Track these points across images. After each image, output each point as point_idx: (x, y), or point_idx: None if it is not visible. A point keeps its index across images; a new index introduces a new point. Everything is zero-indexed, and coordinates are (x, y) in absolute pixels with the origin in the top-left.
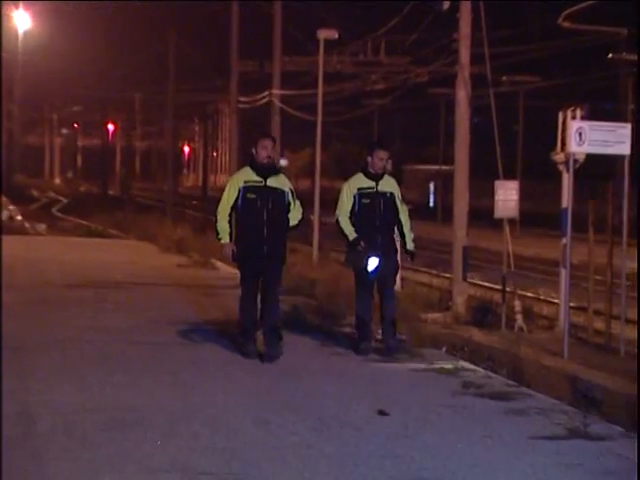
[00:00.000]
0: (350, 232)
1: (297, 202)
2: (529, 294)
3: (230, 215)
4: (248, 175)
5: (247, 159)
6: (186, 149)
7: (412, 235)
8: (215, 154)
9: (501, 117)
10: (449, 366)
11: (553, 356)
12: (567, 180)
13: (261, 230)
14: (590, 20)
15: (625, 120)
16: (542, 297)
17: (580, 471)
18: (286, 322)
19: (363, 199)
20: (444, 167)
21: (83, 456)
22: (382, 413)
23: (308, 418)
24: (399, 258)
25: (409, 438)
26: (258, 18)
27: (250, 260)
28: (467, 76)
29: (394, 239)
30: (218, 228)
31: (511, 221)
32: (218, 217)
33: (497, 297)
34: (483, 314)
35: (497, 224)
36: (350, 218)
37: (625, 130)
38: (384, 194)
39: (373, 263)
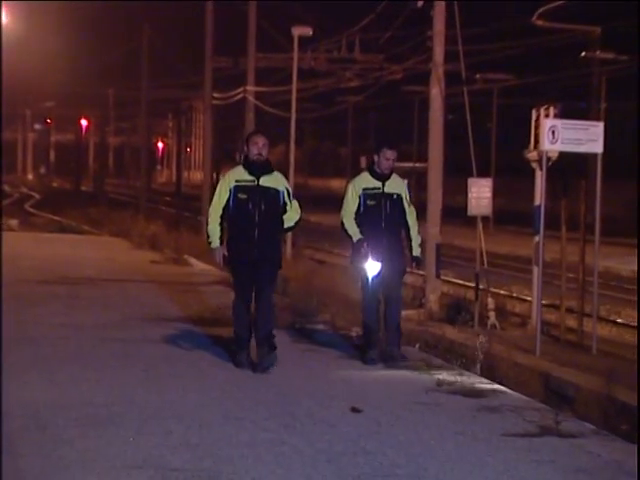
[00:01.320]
0: (354, 233)
1: (294, 202)
2: (502, 292)
3: (222, 217)
4: (240, 174)
5: (225, 154)
6: (160, 145)
7: (420, 239)
8: (189, 150)
9: (475, 115)
10: (422, 363)
11: (525, 353)
12: (540, 178)
13: (252, 232)
14: (564, 19)
15: (598, 118)
16: (515, 295)
17: (552, 468)
18: None
19: (368, 200)
20: (418, 164)
21: (55, 453)
22: (355, 410)
23: (281, 415)
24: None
25: (382, 435)
26: (232, 14)
27: (241, 265)
28: (441, 74)
29: (401, 242)
30: (208, 231)
31: (484, 218)
32: (209, 219)
33: (470, 294)
34: (456, 311)
35: (470, 221)
36: (355, 219)
37: (597, 128)
38: (391, 195)
39: (374, 268)
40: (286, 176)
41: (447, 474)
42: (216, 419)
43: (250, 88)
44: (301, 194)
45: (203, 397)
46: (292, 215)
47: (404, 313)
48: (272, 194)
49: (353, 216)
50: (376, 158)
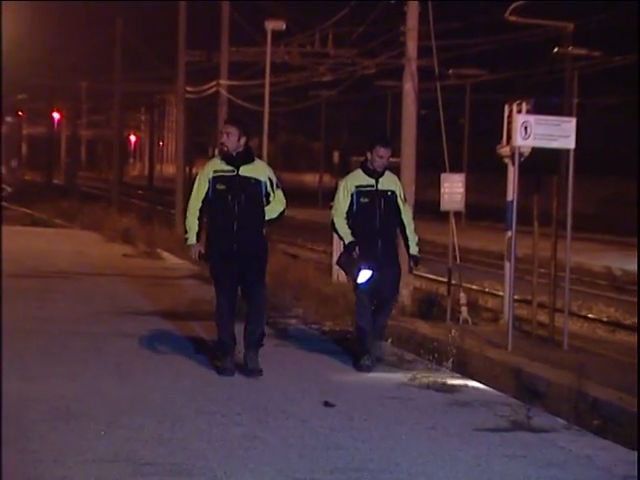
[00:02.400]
0: (346, 234)
1: (278, 192)
2: (474, 287)
3: (201, 211)
4: (218, 164)
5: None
6: (132, 138)
7: (416, 238)
8: (161, 144)
9: (448, 110)
10: (394, 358)
11: (497, 348)
12: (512, 173)
13: (231, 225)
14: (536, 14)
15: (570, 114)
16: (487, 290)
17: (523, 462)
18: None
19: (362, 198)
20: (391, 159)
21: (27, 446)
22: (327, 404)
23: (253, 409)
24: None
25: (354, 429)
26: (206, 8)
27: (222, 261)
28: (414, 69)
29: (395, 244)
30: (186, 226)
31: (457, 214)
32: (187, 214)
33: (442, 289)
34: (428, 306)
35: (443, 217)
36: (347, 219)
37: (570, 124)
38: (385, 193)
39: (364, 276)
40: None
41: (419, 468)
42: (188, 414)
43: (223, 82)
44: None
45: (175, 392)
46: (276, 206)
47: None
48: (252, 184)
49: (344, 216)
50: (369, 155)
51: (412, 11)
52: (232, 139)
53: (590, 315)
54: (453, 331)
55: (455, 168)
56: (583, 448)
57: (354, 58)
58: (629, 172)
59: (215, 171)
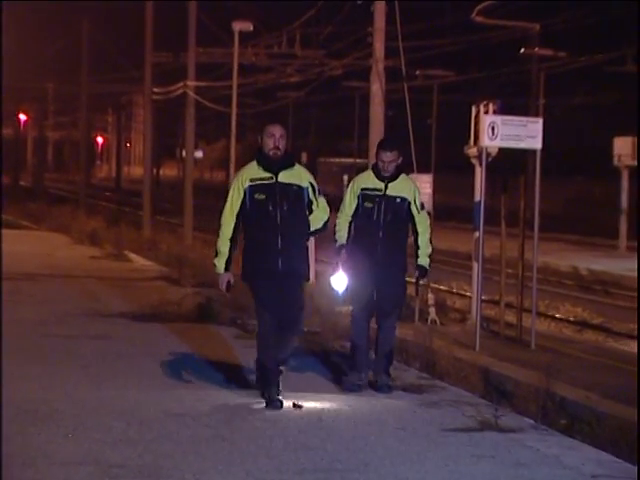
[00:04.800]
0: (340, 237)
1: (321, 199)
2: (442, 287)
3: (235, 230)
4: (254, 171)
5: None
6: (99, 140)
7: (429, 249)
8: (129, 145)
9: (415, 111)
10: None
11: (465, 349)
12: (480, 174)
13: (275, 239)
14: (503, 15)
15: (537, 115)
16: (455, 290)
17: (491, 462)
18: (201, 314)
19: (366, 202)
20: (359, 160)
21: None
22: (296, 406)
23: (222, 410)
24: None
25: (323, 430)
26: (173, 9)
27: (262, 280)
28: (381, 69)
29: (402, 255)
30: (217, 248)
31: None
32: (220, 232)
33: (410, 290)
34: None
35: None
36: (351, 223)
37: (536, 125)
38: (393, 199)
39: (337, 282)
40: (227, 171)
41: (387, 469)
42: (157, 415)
43: (190, 83)
44: None
45: (143, 393)
46: (320, 215)
47: (344, 309)
48: (295, 191)
49: (349, 219)
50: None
51: (379, 12)
52: (283, 142)
53: (557, 315)
54: (421, 331)
55: (423, 168)
56: (551, 448)
57: (321, 59)
58: (595, 172)
59: (252, 179)
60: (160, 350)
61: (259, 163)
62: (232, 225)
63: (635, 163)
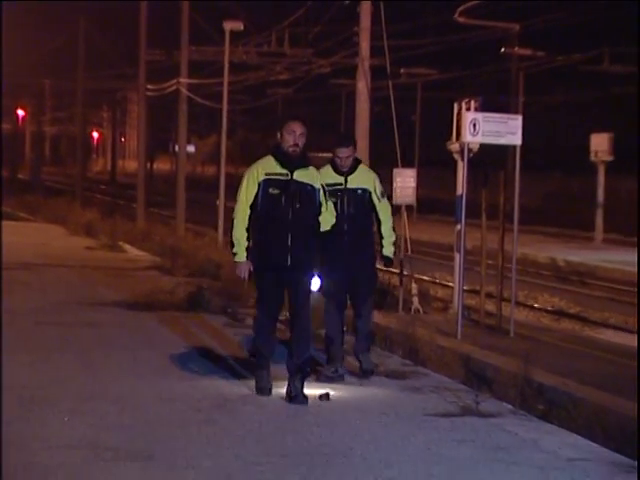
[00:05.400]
0: None
1: (330, 203)
2: (425, 277)
3: (249, 218)
4: (271, 166)
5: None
6: (95, 135)
7: (393, 237)
8: (123, 140)
9: (399, 108)
10: (347, 346)
11: (447, 337)
12: (462, 169)
13: (285, 235)
14: (484, 16)
15: (516, 112)
16: (437, 280)
17: (472, 446)
18: (193, 303)
19: (330, 198)
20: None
21: None
22: (322, 397)
23: (213, 396)
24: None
25: (310, 415)
26: (166, 8)
27: (270, 272)
28: (367, 68)
29: (370, 244)
30: (234, 238)
31: (408, 207)
32: (235, 221)
33: (395, 280)
34: (381, 296)
35: (395, 210)
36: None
37: (516, 121)
38: (354, 191)
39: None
40: (217, 165)
41: (371, 452)
42: (149, 400)
43: (183, 80)
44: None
45: (137, 379)
46: (328, 217)
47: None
48: (309, 191)
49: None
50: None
51: (365, 12)
52: (303, 139)
53: (536, 304)
54: (405, 320)
55: (407, 163)
56: (529, 432)
57: (309, 57)
58: (573, 168)
59: (267, 173)
60: (153, 338)
61: (276, 158)
62: (247, 215)
63: (611, 158)
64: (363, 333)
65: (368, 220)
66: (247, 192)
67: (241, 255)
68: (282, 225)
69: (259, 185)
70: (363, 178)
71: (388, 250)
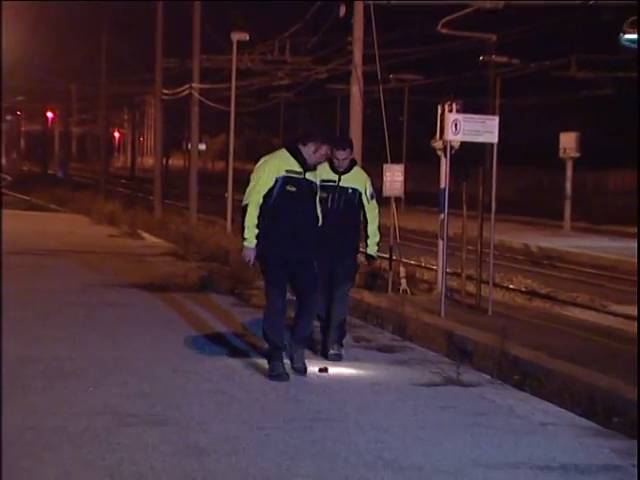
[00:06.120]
0: None
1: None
2: (412, 262)
3: (260, 207)
4: (291, 164)
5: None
6: (116, 134)
7: (377, 238)
8: (142, 139)
9: (389, 109)
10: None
11: (432, 315)
12: (444, 164)
13: (293, 230)
14: (464, 27)
15: (493, 113)
16: (423, 264)
17: (454, 412)
18: (204, 285)
19: (321, 192)
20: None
21: (25, 401)
22: (322, 370)
23: (222, 368)
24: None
25: (308, 385)
26: (180, 21)
27: (277, 264)
28: (360, 74)
29: (356, 240)
30: (245, 223)
31: (397, 199)
32: (248, 208)
33: (385, 264)
34: (373, 279)
35: (385, 202)
36: None
37: (493, 122)
38: (345, 190)
39: None
40: (226, 161)
41: (364, 418)
42: (166, 372)
43: (195, 85)
44: (240, 177)
45: (154, 353)
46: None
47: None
48: (315, 190)
49: None
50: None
51: (358, 24)
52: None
53: (511, 286)
54: (394, 300)
55: (395, 159)
56: (505, 400)
57: (308, 64)
58: (544, 163)
59: (287, 170)
60: (168, 316)
61: (295, 158)
62: (259, 202)
63: (578, 155)
64: (336, 321)
65: (356, 218)
66: (261, 183)
67: (251, 240)
68: (295, 219)
69: (277, 180)
70: (356, 179)
71: (372, 249)
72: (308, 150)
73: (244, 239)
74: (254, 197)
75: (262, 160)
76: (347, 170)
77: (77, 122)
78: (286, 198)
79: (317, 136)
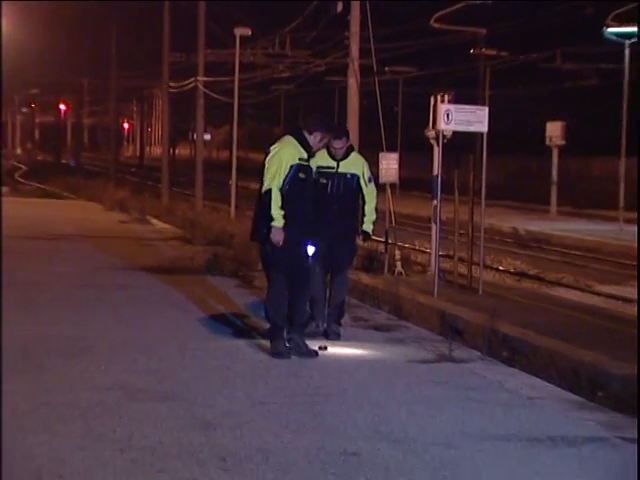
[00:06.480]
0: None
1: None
2: (407, 245)
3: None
4: (301, 153)
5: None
6: (126, 125)
7: (374, 217)
8: (150, 130)
9: (384, 100)
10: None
11: (426, 295)
12: (437, 152)
13: (303, 214)
14: (456, 22)
15: (483, 103)
16: (417, 247)
17: (446, 387)
18: (209, 267)
19: (321, 178)
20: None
21: (40, 377)
22: (322, 348)
23: (227, 346)
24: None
25: (310, 362)
26: (185, 17)
27: (289, 244)
28: (356, 67)
29: (353, 221)
30: (272, 206)
31: (392, 185)
32: (272, 192)
33: (381, 247)
34: (370, 261)
35: (381, 188)
36: None
37: (483, 112)
38: (344, 175)
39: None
40: (230, 151)
41: (361, 393)
42: (173, 350)
43: (200, 78)
44: (243, 165)
45: (162, 332)
46: None
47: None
48: (314, 177)
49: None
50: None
51: (354, 19)
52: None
53: (500, 267)
54: (389, 281)
55: (391, 148)
56: (495, 375)
57: (308, 58)
58: (531, 151)
59: (300, 158)
60: (175, 297)
61: (303, 147)
62: (280, 185)
63: (563, 143)
64: (335, 302)
65: (355, 201)
66: (284, 170)
67: (279, 220)
68: (306, 206)
69: (291, 167)
70: (354, 164)
71: (367, 226)
72: (314, 139)
73: (272, 220)
74: (276, 181)
75: (276, 147)
76: (345, 157)
77: (88, 114)
78: (296, 185)
79: (323, 125)
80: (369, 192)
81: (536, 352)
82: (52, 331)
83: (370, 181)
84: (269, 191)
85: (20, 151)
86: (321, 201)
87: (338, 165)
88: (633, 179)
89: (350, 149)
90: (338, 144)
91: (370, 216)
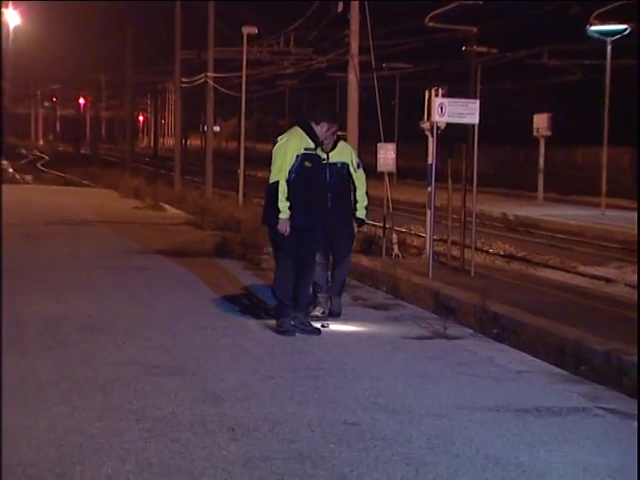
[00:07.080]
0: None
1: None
2: (403, 229)
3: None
4: (307, 142)
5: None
6: (141, 118)
7: (366, 202)
8: (163, 122)
9: (382, 95)
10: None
11: (421, 276)
12: (432, 142)
13: (310, 200)
14: (449, 21)
15: (475, 97)
16: (413, 232)
17: (441, 362)
18: (219, 251)
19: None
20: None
21: (62, 353)
22: (324, 326)
23: (236, 325)
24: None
25: (313, 339)
26: (196, 17)
27: (295, 230)
28: (356, 63)
29: (348, 208)
30: (279, 197)
31: (390, 174)
32: (279, 184)
33: (379, 232)
34: (368, 245)
35: (379, 176)
36: None
37: (474, 105)
38: (335, 165)
39: None
40: (238, 142)
41: (361, 367)
42: (186, 328)
43: (210, 74)
44: (251, 155)
45: (176, 311)
46: None
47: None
48: (326, 164)
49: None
50: None
51: (354, 18)
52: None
53: (491, 250)
54: (387, 263)
55: (388, 139)
56: (486, 351)
57: (310, 55)
58: (520, 141)
59: (306, 148)
60: (187, 279)
61: (309, 135)
62: (286, 176)
63: (549, 134)
64: (338, 280)
65: (347, 188)
66: (290, 161)
67: (285, 212)
68: (312, 194)
69: (297, 157)
70: (342, 153)
71: (360, 213)
72: (321, 129)
73: (279, 212)
74: (282, 174)
75: (283, 139)
76: (333, 147)
77: (106, 107)
78: (303, 173)
79: (329, 115)
80: (358, 177)
81: (524, 329)
82: (72, 310)
83: (359, 167)
84: (276, 183)
85: (42, 142)
86: (320, 189)
87: (328, 157)
88: (614, 167)
89: (337, 139)
90: (327, 139)
91: (362, 202)
